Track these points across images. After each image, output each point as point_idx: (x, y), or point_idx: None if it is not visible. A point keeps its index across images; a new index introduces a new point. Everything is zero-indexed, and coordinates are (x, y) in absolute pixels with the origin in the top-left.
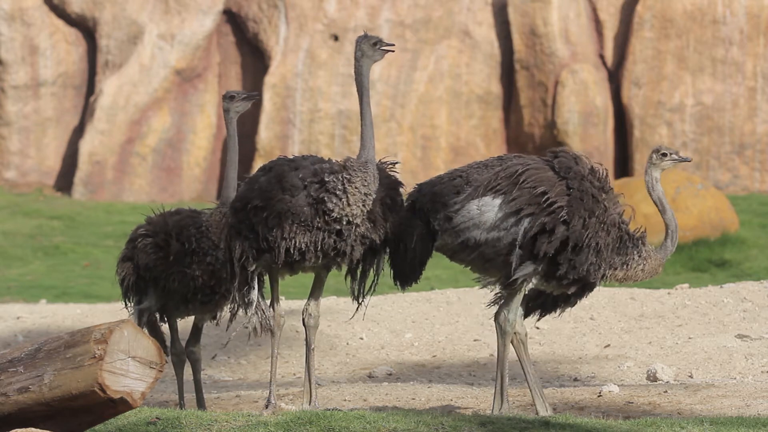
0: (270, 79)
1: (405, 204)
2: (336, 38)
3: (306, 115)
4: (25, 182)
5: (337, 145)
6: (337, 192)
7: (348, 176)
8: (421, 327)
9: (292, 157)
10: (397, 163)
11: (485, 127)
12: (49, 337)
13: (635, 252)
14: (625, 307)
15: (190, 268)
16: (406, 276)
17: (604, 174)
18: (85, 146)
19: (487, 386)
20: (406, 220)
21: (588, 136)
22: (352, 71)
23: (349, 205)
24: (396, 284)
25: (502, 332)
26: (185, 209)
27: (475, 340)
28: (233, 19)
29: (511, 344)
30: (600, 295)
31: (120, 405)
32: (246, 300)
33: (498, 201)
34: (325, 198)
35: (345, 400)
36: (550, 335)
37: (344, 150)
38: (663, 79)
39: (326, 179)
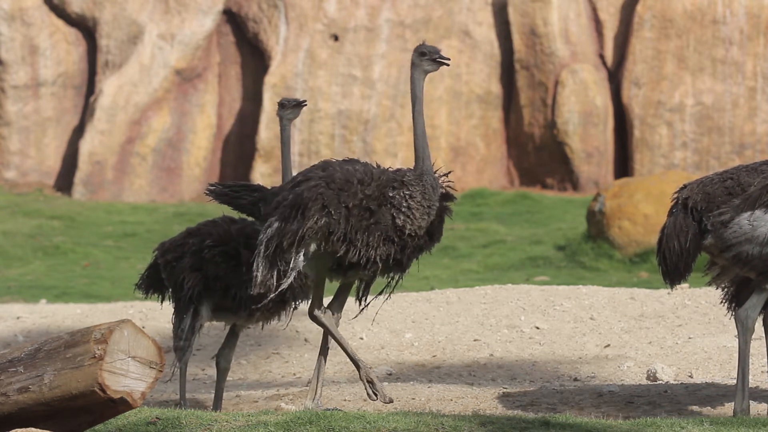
0: (270, 79)
1: (674, 202)
2: (336, 38)
3: (306, 115)
4: (25, 182)
5: (337, 145)
6: (403, 209)
7: (408, 192)
8: (421, 327)
9: (346, 159)
10: (450, 172)
11: (485, 127)
12: (49, 337)
13: None
14: (625, 307)
15: None
16: (679, 274)
17: None
18: (85, 146)
19: (486, 386)
20: (682, 219)
21: (588, 136)
22: (351, 71)
23: (416, 219)
24: (666, 282)
25: (743, 329)
26: (229, 217)
27: (475, 340)
28: (233, 19)
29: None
30: (600, 295)
31: (120, 405)
32: (291, 266)
33: None
34: (393, 214)
35: (345, 400)
36: (550, 335)
37: (344, 150)
38: (663, 79)
39: (390, 194)
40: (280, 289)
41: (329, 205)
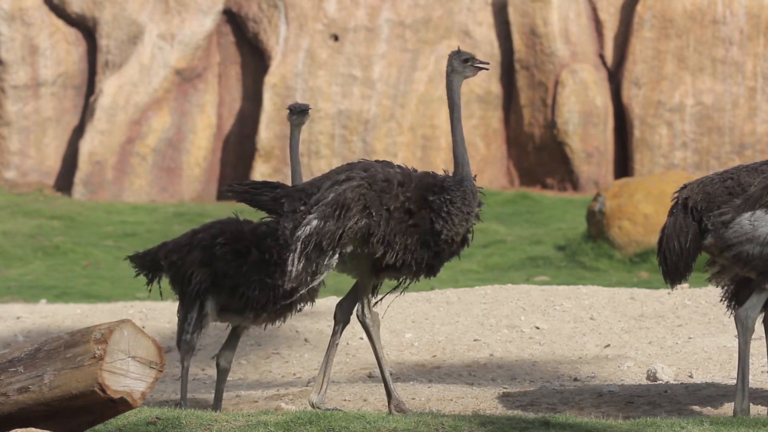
0: (270, 79)
1: (674, 202)
2: (336, 38)
3: None
4: (25, 182)
5: (336, 145)
6: (442, 214)
7: (448, 197)
8: (421, 327)
9: (378, 160)
10: (475, 176)
11: (485, 127)
12: (49, 337)
13: None
14: (625, 307)
15: (273, 278)
16: (679, 274)
17: None
18: (85, 146)
19: (486, 386)
20: (682, 219)
21: (588, 136)
22: (351, 71)
23: (454, 225)
24: (666, 282)
25: (743, 329)
26: (236, 218)
27: (475, 340)
28: (233, 19)
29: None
30: (600, 295)
31: (120, 405)
32: (326, 263)
33: None
34: (432, 218)
35: (345, 400)
36: (550, 335)
37: (344, 150)
38: (663, 79)
39: (430, 198)
40: (311, 286)
41: (371, 207)
